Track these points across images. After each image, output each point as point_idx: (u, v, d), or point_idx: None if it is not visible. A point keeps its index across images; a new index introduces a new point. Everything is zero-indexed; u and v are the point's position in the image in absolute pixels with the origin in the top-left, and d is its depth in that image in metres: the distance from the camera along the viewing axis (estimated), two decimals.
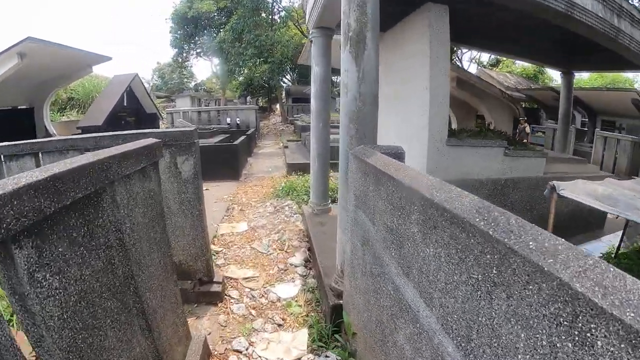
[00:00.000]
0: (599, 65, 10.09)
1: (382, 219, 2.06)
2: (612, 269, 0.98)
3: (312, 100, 6.02)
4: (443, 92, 4.42)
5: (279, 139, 20.16)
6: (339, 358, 3.22)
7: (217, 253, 5.38)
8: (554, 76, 30.69)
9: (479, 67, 27.75)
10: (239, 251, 5.53)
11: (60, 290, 1.46)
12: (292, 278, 4.75)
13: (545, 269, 1.02)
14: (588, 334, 0.91)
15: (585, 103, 16.15)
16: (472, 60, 32.00)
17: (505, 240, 1.13)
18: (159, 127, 16.73)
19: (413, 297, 1.72)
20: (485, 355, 1.25)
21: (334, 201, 6.83)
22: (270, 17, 25.87)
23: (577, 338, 0.94)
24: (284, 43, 24.24)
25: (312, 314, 3.94)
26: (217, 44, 25.05)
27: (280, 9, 26.39)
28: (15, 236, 1.22)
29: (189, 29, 28.16)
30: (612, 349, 0.84)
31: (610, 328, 0.84)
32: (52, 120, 14.41)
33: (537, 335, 1.06)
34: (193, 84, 45.57)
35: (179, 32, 28.67)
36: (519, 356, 1.11)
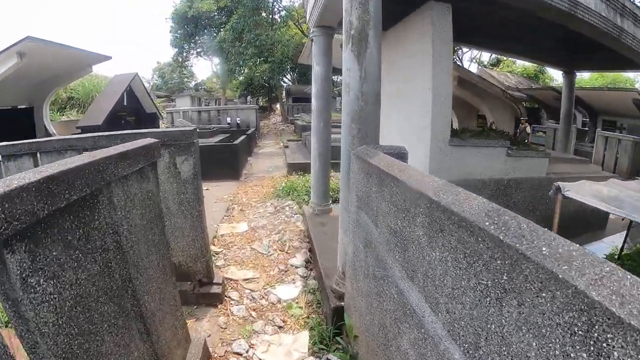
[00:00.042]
0: (601, 64, 10.04)
1: (385, 221, 2.02)
2: (629, 277, 0.94)
3: (313, 100, 5.98)
4: (446, 92, 4.37)
5: (279, 139, 20.11)
6: None
7: (217, 254, 5.33)
8: (555, 76, 30.66)
9: (480, 67, 27.71)
10: (239, 252, 5.49)
11: (55, 296, 1.42)
12: (293, 279, 4.71)
13: (560, 276, 0.98)
14: (604, 344, 0.87)
15: (586, 103, 16.11)
16: (472, 60, 31.98)
17: (517, 245, 1.08)
18: (159, 127, 16.72)
19: (418, 301, 1.67)
20: None
21: (334, 201, 6.78)
22: (270, 16, 25.82)
23: (592, 348, 0.90)
24: (284, 42, 24.19)
25: (313, 316, 3.90)
26: (217, 43, 25.00)
27: (280, 9, 26.36)
28: (7, 240, 1.18)
29: (189, 28, 28.11)
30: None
31: (628, 338, 0.80)
32: (51, 120, 14.37)
33: (550, 345, 1.01)
34: (193, 83, 45.51)
35: (179, 31, 28.62)
36: None
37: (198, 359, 2.93)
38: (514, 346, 1.13)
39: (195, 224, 3.91)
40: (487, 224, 1.17)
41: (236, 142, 11.51)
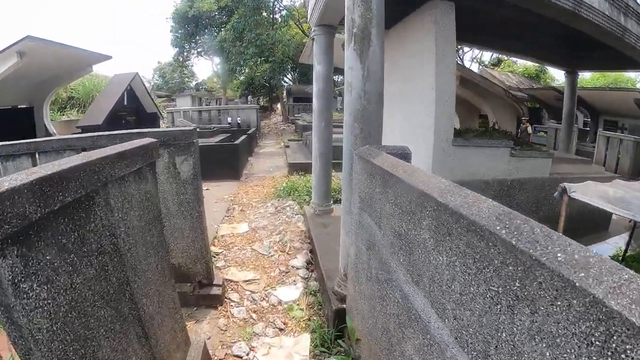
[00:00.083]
0: (604, 64, 10.00)
1: (389, 223, 1.96)
2: None
3: (314, 100, 5.93)
4: (449, 91, 4.32)
5: (280, 139, 20.06)
6: None
7: (217, 255, 5.28)
8: (556, 76, 30.61)
9: (481, 67, 27.66)
10: (240, 253, 5.44)
11: (49, 301, 1.37)
12: (294, 281, 4.66)
13: (577, 284, 0.93)
14: (623, 356, 0.83)
15: (588, 103, 16.06)
16: (473, 59, 31.89)
17: (531, 251, 1.03)
18: (159, 127, 16.68)
19: (423, 306, 1.62)
20: None
21: (336, 201, 6.73)
22: (271, 16, 25.79)
23: (609, 359, 0.85)
24: (285, 42, 24.15)
25: (315, 318, 3.85)
26: (217, 43, 24.95)
27: (281, 8, 26.33)
28: None
29: (190, 28, 28.06)
30: None
31: None
32: (52, 120, 14.33)
33: (565, 355, 0.97)
34: (194, 83, 45.46)
35: (179, 31, 28.56)
36: None
37: None
38: (525, 356, 1.08)
39: (195, 225, 3.86)
40: (498, 228, 1.12)
41: (237, 141, 11.47)
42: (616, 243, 6.51)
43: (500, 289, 1.14)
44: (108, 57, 12.46)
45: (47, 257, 1.36)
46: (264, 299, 4.29)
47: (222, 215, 7.05)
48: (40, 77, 11.78)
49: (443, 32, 4.22)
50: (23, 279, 1.24)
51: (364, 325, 2.68)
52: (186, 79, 43.34)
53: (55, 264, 1.40)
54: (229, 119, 18.94)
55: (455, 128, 4.86)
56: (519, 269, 1.07)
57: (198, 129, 13.27)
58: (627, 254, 5.47)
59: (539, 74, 29.65)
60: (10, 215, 1.14)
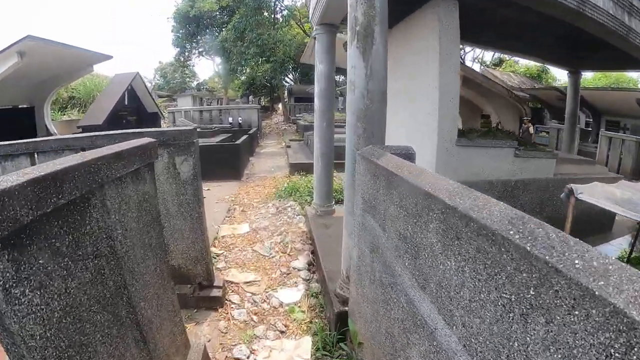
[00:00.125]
0: (607, 64, 9.94)
1: (394, 226, 1.91)
2: None
3: (316, 99, 5.88)
4: (453, 91, 4.26)
5: (281, 139, 20.02)
6: None
7: (217, 256, 5.23)
8: (558, 76, 30.57)
9: (483, 67, 27.60)
10: (240, 254, 5.39)
11: (42, 307, 1.32)
12: (295, 282, 4.60)
13: (596, 293, 0.88)
14: None
15: (590, 103, 16.01)
16: (475, 59, 31.79)
17: (547, 257, 0.98)
18: (160, 127, 16.64)
19: (430, 312, 1.56)
20: None
21: (337, 202, 6.68)
22: (272, 16, 25.77)
23: None
24: (286, 42, 24.13)
25: (316, 321, 3.80)
26: (219, 43, 24.93)
27: (282, 8, 26.32)
28: None
29: (191, 28, 28.02)
30: None
31: None
32: (52, 120, 14.31)
33: None
34: (195, 83, 45.41)
35: (181, 31, 28.52)
36: None
37: None
38: None
39: (195, 226, 3.81)
40: (511, 232, 1.07)
41: (238, 142, 11.43)
42: (620, 244, 6.44)
43: (513, 296, 1.09)
44: (109, 57, 12.44)
45: (40, 262, 1.31)
46: (264, 300, 4.24)
47: (223, 216, 7.00)
48: (41, 76, 11.76)
49: (447, 31, 4.16)
50: (15, 285, 1.19)
51: (367, 329, 2.63)
52: (187, 79, 43.31)
53: (49, 268, 1.35)
54: (230, 119, 18.90)
55: (458, 128, 4.80)
56: (533, 276, 1.02)
57: (199, 129, 13.27)
58: (632, 256, 5.41)
59: (541, 74, 29.61)
60: (0, 219, 1.09)
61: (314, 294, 4.26)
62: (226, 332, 3.68)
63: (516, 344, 1.11)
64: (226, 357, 3.38)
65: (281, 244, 5.68)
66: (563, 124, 14.22)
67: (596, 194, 3.28)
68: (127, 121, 14.99)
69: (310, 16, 6.30)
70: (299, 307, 4.09)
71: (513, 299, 1.09)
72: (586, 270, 0.94)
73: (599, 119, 16.78)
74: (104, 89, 16.93)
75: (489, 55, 31.77)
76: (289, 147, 14.80)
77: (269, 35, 23.14)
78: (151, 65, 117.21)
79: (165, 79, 43.56)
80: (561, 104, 15.99)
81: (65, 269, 1.43)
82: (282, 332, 3.72)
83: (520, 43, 8.18)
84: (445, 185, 1.44)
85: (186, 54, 31.39)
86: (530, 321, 1.05)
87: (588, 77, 29.18)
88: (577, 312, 0.93)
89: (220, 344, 3.54)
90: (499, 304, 1.14)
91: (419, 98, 4.72)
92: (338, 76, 23.63)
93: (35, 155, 3.70)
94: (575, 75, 10.76)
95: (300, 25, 27.08)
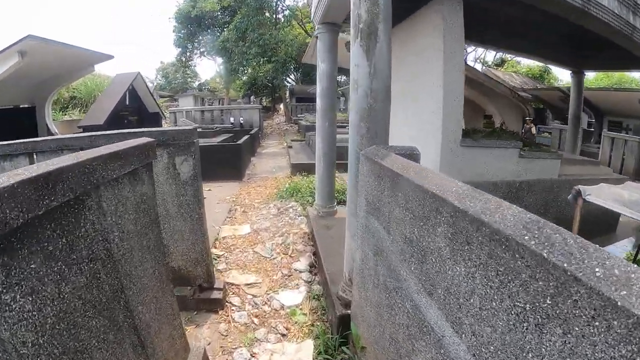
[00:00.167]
0: (610, 64, 9.88)
1: (399, 229, 1.85)
2: None
3: (318, 99, 5.82)
4: (457, 90, 4.19)
5: (282, 139, 19.98)
6: None
7: (218, 257, 5.18)
8: (560, 76, 30.50)
9: (484, 67, 27.53)
10: (241, 255, 5.33)
11: (34, 313, 1.27)
12: (297, 284, 4.54)
13: (619, 303, 0.82)
14: None
15: (592, 103, 15.92)
16: (476, 60, 31.74)
17: (565, 265, 0.92)
18: (161, 127, 16.59)
19: (437, 319, 1.50)
20: None
21: (339, 203, 6.62)
22: (274, 16, 25.75)
23: None
24: (288, 42, 24.10)
25: (318, 324, 3.74)
26: (220, 43, 24.89)
27: (284, 8, 26.29)
28: None
29: (193, 28, 28.02)
30: None
31: None
32: (54, 119, 14.28)
33: None
34: (197, 83, 45.46)
35: (182, 31, 28.52)
36: None
37: None
38: None
39: (195, 227, 3.76)
40: (526, 238, 1.01)
41: (239, 142, 11.38)
42: (625, 246, 6.35)
43: (528, 305, 1.03)
44: (110, 57, 12.39)
45: (32, 266, 1.26)
46: (266, 303, 4.18)
47: (224, 217, 6.95)
48: (42, 76, 11.72)
49: (451, 30, 4.10)
50: (5, 290, 1.14)
51: (370, 334, 2.57)
52: (189, 79, 43.34)
53: (41, 272, 1.30)
54: (232, 119, 18.87)
55: (462, 128, 4.74)
56: (550, 284, 0.96)
57: (200, 129, 13.21)
58: (638, 258, 5.33)
59: (543, 74, 29.55)
60: None
61: (315, 296, 4.20)
62: (226, 335, 3.63)
63: (530, 355, 1.05)
64: None
65: (282, 245, 5.63)
66: (565, 125, 14.16)
67: (603, 195, 3.21)
68: (128, 121, 14.95)
69: (312, 15, 6.25)
70: (301, 309, 4.03)
71: (528, 308, 1.03)
72: (607, 278, 0.88)
73: (601, 120, 16.69)
74: (105, 89, 16.90)
75: (490, 56, 31.74)
76: (290, 147, 14.75)
77: (270, 36, 23.11)
78: (151, 65, 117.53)
79: (167, 79, 43.62)
80: (563, 104, 15.92)
81: (58, 273, 1.38)
82: (283, 335, 3.66)
83: (524, 42, 8.12)
84: (453, 187, 1.38)
85: (188, 54, 31.38)
86: (546, 332, 1.00)
87: (590, 77, 29.06)
88: (597, 324, 0.87)
89: (221, 346, 3.48)
90: (512, 312, 1.09)
91: (423, 97, 4.66)
92: (340, 76, 23.58)
93: (34, 156, 3.66)
94: (578, 75, 10.69)
95: (302, 26, 27.04)
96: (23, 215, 1.17)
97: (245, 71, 27.65)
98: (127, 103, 15.19)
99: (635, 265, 0.94)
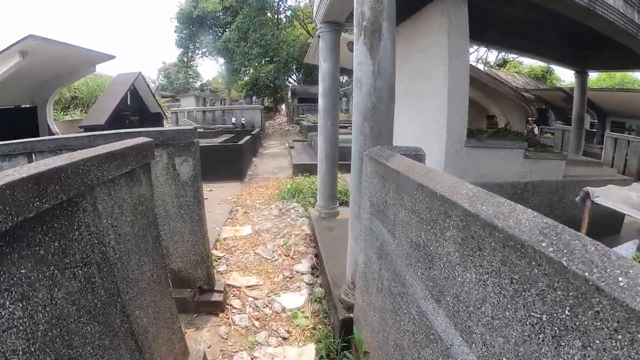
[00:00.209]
0: (614, 64, 9.79)
1: (404, 232, 1.79)
2: None
3: (320, 99, 5.76)
4: (462, 89, 4.12)
5: (284, 139, 19.93)
6: None
7: (219, 259, 5.12)
8: (562, 76, 30.40)
9: (487, 67, 27.44)
10: (242, 257, 5.27)
11: (25, 320, 1.21)
12: (298, 287, 4.48)
13: None
14: None
15: (595, 104, 15.81)
16: (478, 60, 31.63)
17: (586, 274, 0.86)
18: (163, 127, 16.56)
19: (445, 327, 1.44)
20: None
21: (342, 204, 6.55)
22: (276, 16, 25.71)
23: None
24: (290, 42, 24.08)
25: (320, 327, 3.68)
26: (222, 43, 24.87)
27: (286, 8, 26.24)
28: None
29: (194, 28, 28.00)
30: None
31: None
32: (55, 120, 14.26)
33: None
34: (199, 84, 45.48)
35: (184, 31, 28.51)
36: None
37: None
38: None
39: (195, 229, 3.70)
40: (544, 244, 0.95)
41: (241, 142, 11.33)
42: (630, 249, 6.27)
43: (545, 316, 0.97)
44: (111, 57, 12.35)
45: (22, 271, 1.20)
46: (267, 305, 4.12)
47: (225, 217, 6.89)
48: (43, 76, 11.69)
49: (456, 28, 4.04)
50: None
51: (374, 339, 2.51)
52: (191, 80, 43.36)
53: (32, 278, 1.25)
54: (233, 120, 18.82)
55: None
56: (570, 294, 0.89)
57: (202, 129, 13.17)
58: None
59: (545, 75, 29.44)
60: None
61: (317, 299, 4.14)
62: (227, 338, 3.57)
63: None
64: None
65: (284, 246, 5.57)
66: (567, 125, 14.06)
67: (612, 197, 3.14)
68: (129, 121, 14.92)
69: (314, 14, 6.19)
70: (302, 312, 3.97)
71: (544, 319, 0.97)
72: (632, 289, 0.82)
73: (604, 120, 16.58)
74: (106, 89, 16.89)
75: (492, 56, 31.64)
76: (292, 147, 14.69)
77: (272, 36, 23.09)
78: (152, 65, 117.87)
79: (168, 79, 43.66)
80: (566, 104, 15.82)
81: (50, 278, 1.33)
82: (284, 338, 3.60)
83: (524, 42, 8.07)
84: (463, 190, 1.32)
85: (189, 54, 31.39)
86: (564, 344, 0.94)
87: (592, 77, 28.95)
88: (620, 337, 0.81)
89: (221, 350, 3.43)
90: (527, 323, 1.02)
91: (427, 97, 4.59)
92: (342, 77, 23.54)
93: (33, 156, 3.62)
94: (582, 75, 10.60)
95: (304, 26, 27.00)
96: (12, 218, 1.12)
97: (247, 71, 27.65)
98: (129, 103, 15.17)
99: None
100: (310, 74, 31.00)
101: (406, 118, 5.17)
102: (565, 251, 0.92)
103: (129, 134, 3.07)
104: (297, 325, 3.76)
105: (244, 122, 18.71)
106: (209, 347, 3.43)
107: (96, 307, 1.61)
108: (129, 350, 1.90)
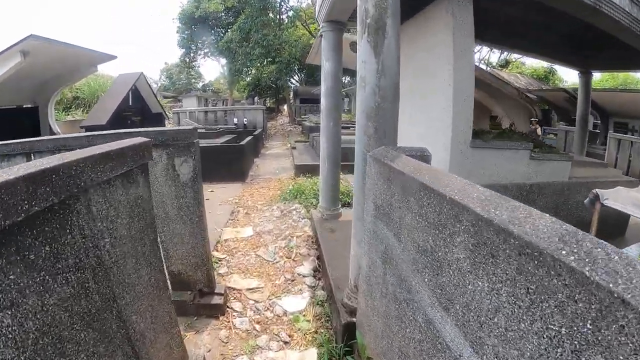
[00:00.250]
0: (618, 64, 9.70)
1: (411, 236, 1.72)
2: None
3: (322, 99, 5.70)
4: (468, 88, 4.05)
5: (286, 140, 19.88)
6: None
7: (219, 260, 5.06)
8: (565, 77, 30.26)
9: (489, 68, 27.34)
10: (243, 259, 5.21)
11: (14, 328, 1.16)
12: (300, 289, 4.41)
13: None
14: None
15: (598, 104, 15.70)
16: (480, 61, 31.53)
17: (611, 285, 0.79)
18: (164, 127, 16.54)
19: (454, 336, 1.38)
20: None
21: (344, 205, 6.49)
22: (278, 16, 25.67)
23: None
24: (292, 43, 24.05)
25: (322, 331, 3.61)
26: (224, 43, 24.84)
27: (288, 9, 26.21)
28: None
29: (196, 28, 28.01)
30: None
31: None
32: (57, 120, 14.25)
33: None
34: (201, 84, 45.49)
35: (186, 32, 28.52)
36: None
37: None
38: None
39: (195, 230, 3.64)
40: (564, 253, 0.88)
41: (242, 142, 11.28)
42: (636, 251, 6.19)
43: (564, 329, 0.90)
44: (113, 57, 12.34)
45: (11, 277, 1.15)
46: (268, 308, 4.06)
47: (226, 219, 6.83)
48: (44, 76, 11.68)
49: (461, 27, 3.97)
50: None
51: (377, 345, 2.44)
52: (193, 80, 43.37)
53: (22, 284, 1.19)
54: (235, 120, 18.76)
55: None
56: (592, 307, 0.83)
57: (204, 130, 13.12)
58: None
59: (548, 76, 29.33)
60: None
61: (319, 302, 4.07)
62: (227, 342, 3.51)
63: None
64: None
65: (286, 248, 5.50)
66: (570, 126, 13.96)
67: (621, 199, 3.07)
68: (131, 122, 14.91)
69: (316, 13, 6.13)
70: (304, 316, 3.90)
71: (563, 332, 0.91)
72: None
73: (607, 121, 16.48)
74: (108, 89, 16.88)
75: (495, 57, 31.55)
76: (294, 148, 14.63)
77: (274, 36, 23.06)
78: (152, 65, 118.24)
79: (170, 80, 43.68)
80: (569, 105, 15.73)
81: (41, 284, 1.27)
82: (285, 342, 3.54)
83: (524, 41, 8.02)
84: (475, 193, 1.26)
85: (191, 55, 31.41)
86: (584, 359, 0.87)
87: (595, 78, 28.82)
88: None
89: (221, 354, 3.37)
90: (545, 336, 0.96)
91: (432, 96, 4.52)
92: (344, 77, 23.47)
93: (32, 156, 3.56)
94: (586, 75, 10.51)
95: (306, 26, 26.97)
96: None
97: (249, 72, 27.61)
98: (130, 103, 15.16)
99: None
100: (312, 75, 30.97)
101: (411, 116, 5.10)
102: (587, 260, 0.85)
103: (128, 134, 3.01)
104: (299, 329, 3.70)
105: (245, 122, 18.65)
106: (209, 351, 3.37)
107: (90, 313, 1.55)
108: (125, 356, 1.84)
